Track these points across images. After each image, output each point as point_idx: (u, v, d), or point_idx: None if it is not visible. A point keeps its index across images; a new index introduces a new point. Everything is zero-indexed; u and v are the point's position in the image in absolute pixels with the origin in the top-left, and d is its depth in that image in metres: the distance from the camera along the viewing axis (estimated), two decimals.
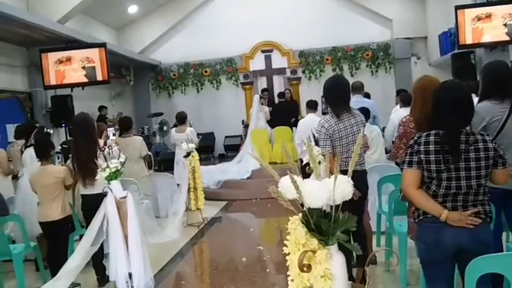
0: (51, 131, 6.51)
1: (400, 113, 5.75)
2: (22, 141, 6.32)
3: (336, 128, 3.94)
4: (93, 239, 4.27)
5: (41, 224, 4.91)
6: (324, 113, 9.42)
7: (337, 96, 4.09)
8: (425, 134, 2.66)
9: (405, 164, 2.68)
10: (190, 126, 8.74)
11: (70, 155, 5.11)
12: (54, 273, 4.90)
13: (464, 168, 2.57)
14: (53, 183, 4.85)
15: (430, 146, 2.60)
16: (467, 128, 2.67)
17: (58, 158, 5.57)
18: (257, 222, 8.30)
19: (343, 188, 1.94)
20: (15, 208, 5.54)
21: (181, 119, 8.57)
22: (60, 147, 6.15)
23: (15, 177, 6.25)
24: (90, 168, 4.71)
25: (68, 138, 8.91)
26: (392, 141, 5.41)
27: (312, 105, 7.33)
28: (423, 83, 3.58)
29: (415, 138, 2.69)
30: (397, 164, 3.86)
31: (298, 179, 1.95)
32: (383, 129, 6.46)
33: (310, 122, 6.64)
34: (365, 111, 5.78)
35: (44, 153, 4.96)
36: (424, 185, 2.67)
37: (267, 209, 8.01)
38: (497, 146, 2.68)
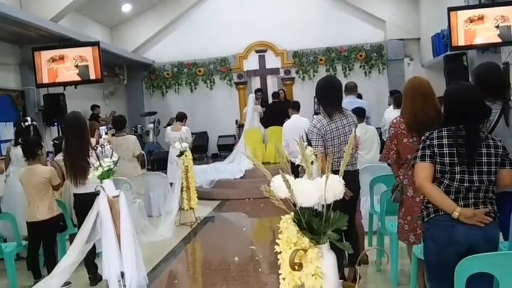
0: (29, 122, 6.44)
1: (394, 114, 5.79)
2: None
3: (328, 128, 3.96)
4: (87, 237, 4.27)
5: (28, 224, 4.89)
6: (316, 113, 9.45)
7: (329, 97, 4.11)
8: (437, 130, 2.71)
9: (417, 158, 2.70)
10: (185, 125, 8.74)
11: (61, 151, 5.10)
12: (35, 274, 4.91)
13: (476, 163, 2.62)
14: (39, 183, 4.84)
15: (444, 140, 2.65)
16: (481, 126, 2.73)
17: (49, 156, 5.54)
18: (250, 221, 8.31)
19: (334, 188, 1.96)
20: (3, 207, 5.52)
21: (180, 118, 8.60)
22: (52, 143, 6.11)
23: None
24: (81, 166, 4.68)
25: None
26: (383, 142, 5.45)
27: (295, 107, 7.37)
28: (413, 84, 3.62)
29: (427, 134, 2.73)
30: (388, 164, 3.89)
31: (290, 178, 1.96)
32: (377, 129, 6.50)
33: (295, 123, 6.67)
34: (361, 111, 5.82)
35: (31, 153, 4.94)
36: (436, 180, 2.69)
37: (259, 209, 8.02)
38: (504, 146, 2.72)
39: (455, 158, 2.62)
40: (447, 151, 2.64)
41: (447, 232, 2.62)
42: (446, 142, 2.65)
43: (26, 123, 6.34)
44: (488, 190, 2.67)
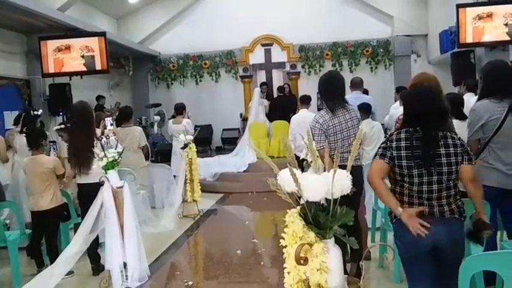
0: (39, 112, 6.46)
1: (400, 110, 5.75)
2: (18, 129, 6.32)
3: (330, 123, 3.95)
4: (91, 227, 4.29)
5: (32, 213, 4.91)
6: (319, 109, 9.42)
7: (331, 92, 4.09)
8: (396, 132, 2.75)
9: (377, 156, 2.74)
10: (188, 118, 8.73)
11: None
12: (38, 262, 4.93)
13: (436, 164, 2.62)
14: (43, 173, 4.85)
15: (402, 142, 2.67)
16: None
17: (54, 149, 5.55)
18: (253, 215, 8.32)
19: (342, 183, 1.95)
20: (9, 196, 5.54)
21: (179, 110, 8.54)
22: (62, 126, 6.10)
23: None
24: (86, 156, 4.70)
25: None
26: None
27: (305, 101, 7.26)
28: (419, 79, 3.60)
29: (388, 136, 2.79)
30: None
31: (298, 172, 1.95)
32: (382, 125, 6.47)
33: (302, 118, 6.63)
34: (367, 107, 5.79)
35: (35, 143, 4.95)
36: (397, 184, 2.72)
37: (263, 203, 8.02)
38: (464, 142, 2.75)
39: (412, 161, 2.63)
40: (404, 154, 2.65)
41: (410, 232, 2.61)
42: (403, 145, 2.66)
43: (35, 113, 6.36)
44: (450, 189, 2.67)
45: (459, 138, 2.72)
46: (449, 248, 2.62)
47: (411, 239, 2.61)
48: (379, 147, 2.78)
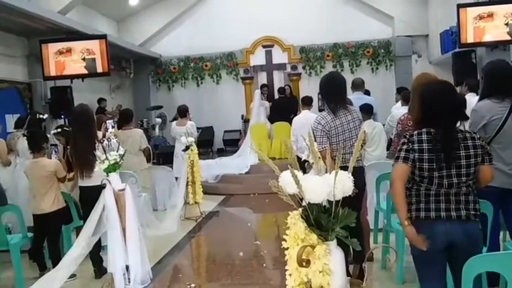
0: (45, 116, 6.46)
1: (402, 110, 5.75)
2: (21, 132, 6.32)
3: (332, 124, 3.94)
4: (94, 230, 4.28)
5: (34, 216, 4.91)
6: (320, 110, 9.40)
7: (333, 93, 4.09)
8: (417, 132, 2.68)
9: (400, 159, 2.67)
10: (190, 120, 8.74)
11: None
12: (40, 266, 4.93)
13: (455, 166, 2.59)
14: (44, 176, 4.85)
15: (424, 145, 2.62)
16: (458, 125, 2.70)
17: (56, 152, 5.55)
18: (255, 217, 8.31)
19: (343, 184, 1.94)
20: (10, 199, 5.53)
21: (182, 112, 8.55)
22: (58, 130, 6.10)
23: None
24: (88, 159, 4.70)
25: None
26: (391, 138, 5.41)
27: (306, 102, 7.26)
28: (421, 80, 3.58)
29: (408, 136, 2.70)
30: None
31: (299, 173, 1.95)
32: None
33: (304, 119, 6.63)
34: (368, 108, 5.79)
35: (37, 146, 4.95)
36: (415, 184, 2.69)
37: (264, 204, 8.01)
38: (485, 143, 2.71)
39: (434, 163, 2.60)
40: (426, 157, 2.61)
41: (427, 229, 2.61)
42: (426, 147, 2.62)
43: (40, 116, 6.36)
44: (469, 192, 2.65)
45: (479, 138, 2.68)
46: (465, 246, 2.58)
47: (427, 235, 2.59)
48: (400, 150, 2.70)
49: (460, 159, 2.59)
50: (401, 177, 2.66)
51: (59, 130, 6.03)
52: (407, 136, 2.70)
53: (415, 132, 2.69)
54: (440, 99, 2.66)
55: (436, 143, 2.60)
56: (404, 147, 2.68)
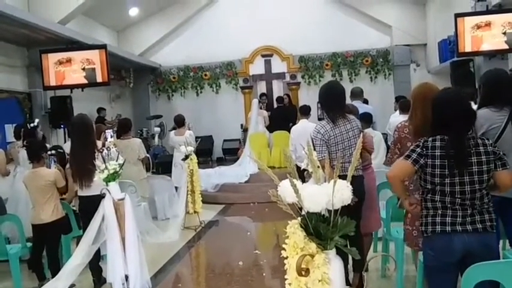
0: (36, 123, 6.46)
1: (400, 119, 5.76)
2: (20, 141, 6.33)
3: (331, 133, 3.96)
4: (93, 239, 4.27)
5: (33, 226, 4.90)
6: (319, 119, 9.44)
7: (332, 102, 4.11)
8: (431, 138, 2.69)
9: (409, 158, 2.69)
10: (189, 130, 8.75)
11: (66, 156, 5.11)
12: (39, 276, 4.91)
13: (468, 173, 2.60)
14: (44, 186, 4.84)
15: (437, 151, 2.64)
16: (470, 132, 2.71)
17: (54, 161, 5.55)
18: (254, 226, 8.29)
19: (342, 193, 1.95)
20: (9, 209, 5.53)
21: (179, 122, 8.58)
22: (53, 152, 6.11)
23: None
24: (87, 169, 4.69)
25: (67, 139, 8.90)
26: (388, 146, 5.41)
27: (304, 111, 7.31)
28: (423, 90, 3.59)
29: (422, 141, 2.71)
30: None
31: (298, 183, 1.96)
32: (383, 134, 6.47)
33: (302, 128, 6.65)
34: (368, 116, 5.81)
35: (36, 156, 4.95)
36: (429, 193, 2.69)
37: (264, 213, 8.00)
38: (497, 149, 2.71)
39: (446, 170, 2.61)
40: (438, 163, 2.63)
41: (445, 241, 2.62)
42: (438, 153, 2.63)
43: (32, 125, 6.36)
44: (483, 198, 2.65)
45: (491, 145, 2.69)
46: (482, 257, 2.55)
47: (443, 246, 2.60)
48: (412, 151, 2.71)
49: (472, 166, 2.60)
50: (399, 174, 2.76)
51: (53, 152, 6.03)
52: (421, 140, 2.72)
53: (430, 138, 2.70)
54: (453, 104, 2.69)
55: (448, 149, 2.61)
56: (418, 150, 2.70)
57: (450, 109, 2.68)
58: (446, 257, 2.62)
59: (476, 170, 2.61)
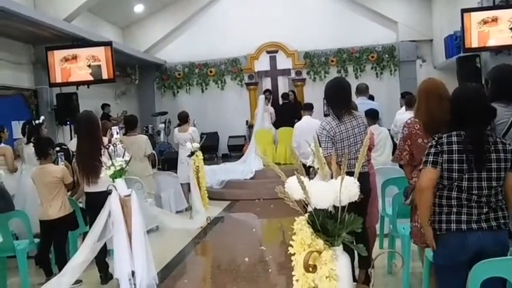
0: (41, 120, 6.49)
1: (406, 115, 5.75)
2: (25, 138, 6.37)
3: (337, 130, 3.95)
4: (99, 236, 4.29)
5: (41, 222, 4.93)
6: (325, 115, 9.42)
7: (338, 99, 4.09)
8: (446, 134, 2.67)
9: (428, 163, 2.67)
10: (194, 126, 8.75)
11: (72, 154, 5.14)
12: (47, 271, 4.94)
13: (486, 169, 2.59)
14: (51, 182, 4.87)
15: (454, 146, 2.62)
16: (488, 129, 2.70)
17: (61, 159, 5.58)
18: (260, 222, 8.31)
19: (349, 189, 1.95)
20: (16, 205, 5.57)
21: (183, 119, 8.58)
22: (57, 149, 6.15)
23: None
24: (93, 165, 4.72)
25: (73, 135, 8.94)
26: (395, 143, 5.39)
27: (308, 108, 7.36)
28: (428, 85, 3.57)
29: (436, 139, 2.70)
30: (400, 166, 3.85)
31: (305, 179, 1.96)
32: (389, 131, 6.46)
33: (306, 124, 6.66)
34: (374, 113, 5.79)
35: (43, 152, 4.98)
36: (445, 190, 2.67)
37: (270, 210, 8.01)
38: None
39: (464, 165, 2.59)
40: (456, 157, 2.61)
41: (460, 239, 2.60)
42: (456, 148, 2.61)
43: (37, 121, 6.39)
44: (498, 195, 2.64)
45: (510, 144, 2.67)
46: (494, 252, 2.56)
47: (458, 245, 2.59)
48: (428, 153, 2.69)
49: (490, 162, 2.59)
50: (431, 185, 2.67)
51: (58, 149, 6.06)
52: (435, 138, 2.70)
53: (445, 134, 2.68)
54: (473, 100, 2.67)
55: (467, 145, 2.59)
56: (432, 150, 2.68)
57: (470, 105, 2.67)
58: (460, 255, 2.60)
59: (495, 166, 2.59)
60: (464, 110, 2.67)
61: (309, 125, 6.50)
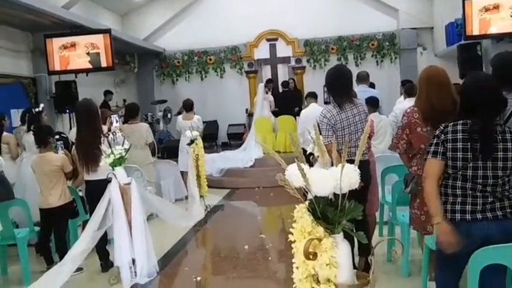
0: (41, 108, 6.47)
1: (405, 104, 5.73)
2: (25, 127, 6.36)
3: (338, 118, 3.94)
4: (99, 224, 4.31)
5: (41, 210, 4.94)
6: (326, 103, 9.40)
7: (339, 86, 4.08)
8: (452, 123, 2.65)
9: (430, 154, 2.67)
10: (195, 114, 8.73)
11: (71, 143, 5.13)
12: (47, 260, 4.96)
13: (492, 158, 2.57)
14: (51, 170, 4.87)
15: (458, 134, 2.60)
16: (497, 119, 2.68)
17: (61, 148, 5.58)
18: (259, 210, 8.32)
19: (350, 177, 1.94)
20: (16, 194, 5.57)
21: (188, 107, 8.55)
22: (57, 137, 6.14)
23: None
24: (93, 153, 4.72)
25: (72, 124, 8.92)
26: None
27: (312, 95, 7.39)
28: (429, 73, 3.55)
29: (441, 128, 2.68)
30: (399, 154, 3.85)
31: (305, 167, 1.95)
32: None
33: (312, 111, 6.65)
34: (374, 101, 5.77)
35: (43, 141, 4.97)
36: (450, 179, 2.66)
37: (269, 198, 8.03)
38: None
39: (469, 153, 2.57)
40: (461, 146, 2.58)
41: (465, 229, 2.59)
42: (460, 137, 2.59)
43: (36, 109, 6.37)
44: (505, 185, 2.62)
45: None
46: (500, 242, 2.54)
47: (462, 236, 2.56)
48: (431, 144, 2.68)
49: (497, 152, 2.56)
50: (433, 173, 2.65)
51: (57, 137, 6.04)
52: (441, 128, 2.68)
53: (450, 123, 2.66)
54: (483, 89, 2.64)
55: (472, 133, 2.57)
56: (435, 140, 2.67)
57: (480, 93, 2.63)
58: (466, 245, 2.58)
59: (501, 156, 2.56)
60: (474, 98, 2.64)
61: (314, 112, 6.50)
